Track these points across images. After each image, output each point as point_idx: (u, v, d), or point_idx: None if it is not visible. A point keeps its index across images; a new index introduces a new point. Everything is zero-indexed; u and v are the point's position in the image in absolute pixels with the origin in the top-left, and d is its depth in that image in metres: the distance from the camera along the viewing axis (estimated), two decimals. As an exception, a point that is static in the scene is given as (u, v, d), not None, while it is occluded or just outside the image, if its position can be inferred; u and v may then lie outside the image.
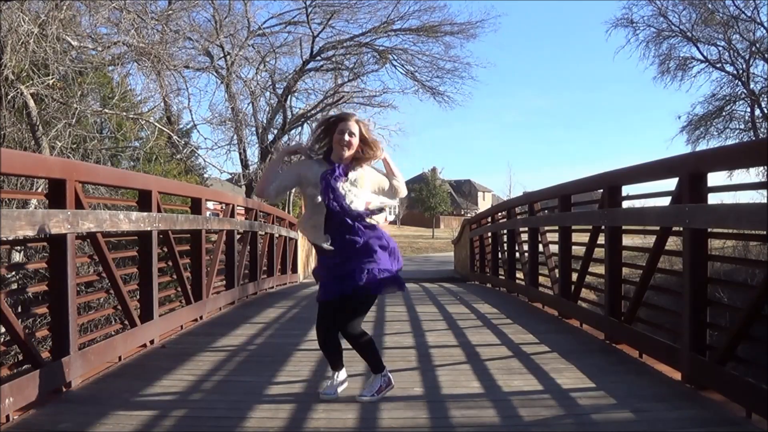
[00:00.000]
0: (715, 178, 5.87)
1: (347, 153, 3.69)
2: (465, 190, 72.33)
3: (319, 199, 3.63)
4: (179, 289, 6.40)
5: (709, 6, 23.77)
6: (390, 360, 4.80)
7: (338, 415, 3.49)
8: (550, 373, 4.37)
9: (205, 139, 34.67)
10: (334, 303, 3.71)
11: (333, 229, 3.65)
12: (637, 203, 6.46)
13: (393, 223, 59.82)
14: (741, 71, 24.36)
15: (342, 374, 3.88)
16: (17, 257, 9.63)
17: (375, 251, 3.64)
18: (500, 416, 3.51)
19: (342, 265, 3.63)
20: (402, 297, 9.43)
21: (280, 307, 8.11)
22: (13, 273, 8.12)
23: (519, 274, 9.48)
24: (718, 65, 24.84)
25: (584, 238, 6.34)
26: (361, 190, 3.73)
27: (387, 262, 3.69)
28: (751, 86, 24.16)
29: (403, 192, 3.97)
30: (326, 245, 3.64)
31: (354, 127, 3.70)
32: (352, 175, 3.71)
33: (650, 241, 4.80)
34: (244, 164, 22.08)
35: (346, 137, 3.67)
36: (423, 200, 54.86)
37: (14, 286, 8.13)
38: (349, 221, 3.63)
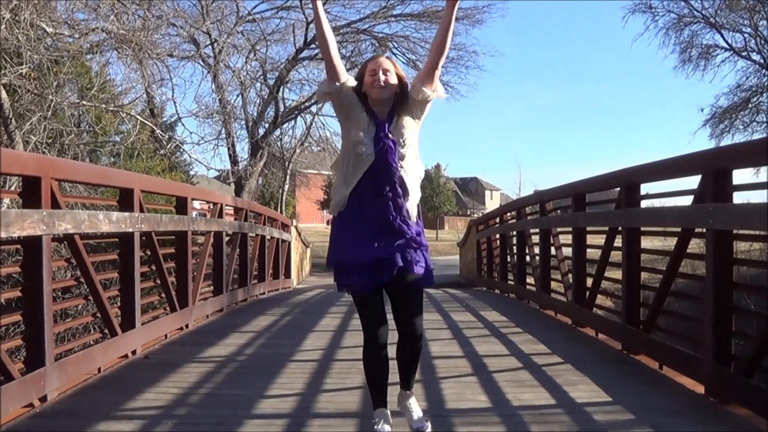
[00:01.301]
0: (741, 176, 5.87)
1: (385, 94, 3.31)
2: (471, 188, 72.34)
3: (363, 149, 3.26)
4: (163, 295, 6.40)
5: (734, -11, 23.78)
6: (390, 372, 4.82)
7: (335, 431, 3.50)
8: (563, 385, 4.37)
9: (191, 133, 34.64)
10: (374, 295, 3.32)
11: (371, 187, 3.28)
12: (657, 202, 6.47)
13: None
14: (769, 60, 24.38)
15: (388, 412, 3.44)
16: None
17: (413, 230, 3.32)
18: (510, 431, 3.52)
19: (378, 236, 3.25)
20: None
21: (272, 315, 8.12)
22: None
23: (529, 279, 9.49)
24: (743, 54, 24.84)
25: (600, 240, 6.35)
26: (409, 134, 3.35)
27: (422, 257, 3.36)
28: (780, 76, 24.18)
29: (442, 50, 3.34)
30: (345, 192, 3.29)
31: (386, 63, 3.34)
32: (395, 129, 3.33)
33: (671, 243, 4.81)
34: (233, 160, 22.10)
35: (381, 75, 3.28)
36: (426, 199, 54.68)
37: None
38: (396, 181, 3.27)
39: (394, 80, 3.31)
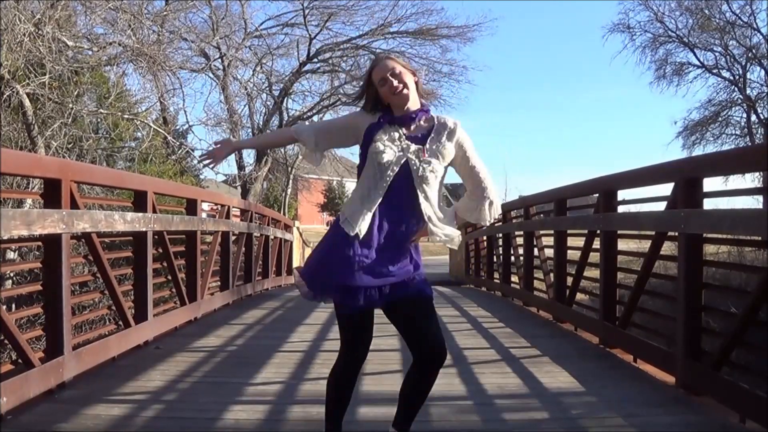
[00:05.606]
0: (711, 184, 5.89)
1: (410, 96, 2.67)
2: (461, 193, 70.61)
3: (386, 158, 2.61)
4: (174, 290, 6.39)
5: (706, 12, 23.85)
6: (371, 362, 4.79)
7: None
8: (541, 377, 4.36)
9: (201, 140, 34.54)
10: (367, 317, 2.71)
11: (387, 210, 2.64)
12: (633, 208, 6.49)
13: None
14: (737, 77, 24.46)
15: None
16: (12, 256, 9.61)
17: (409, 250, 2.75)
18: (485, 419, 3.51)
19: (380, 261, 2.62)
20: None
21: (276, 309, 8.11)
22: (8, 272, 8.10)
23: (514, 278, 9.49)
24: (714, 71, 24.93)
25: (580, 242, 6.36)
26: (441, 163, 2.71)
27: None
28: (748, 92, 24.25)
29: (494, 210, 2.95)
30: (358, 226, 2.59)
31: (391, 64, 2.68)
32: (432, 142, 2.70)
33: (646, 245, 4.82)
34: (240, 166, 22.08)
35: (394, 82, 2.64)
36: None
37: (8, 285, 8.12)
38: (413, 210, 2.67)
39: (409, 78, 2.68)
